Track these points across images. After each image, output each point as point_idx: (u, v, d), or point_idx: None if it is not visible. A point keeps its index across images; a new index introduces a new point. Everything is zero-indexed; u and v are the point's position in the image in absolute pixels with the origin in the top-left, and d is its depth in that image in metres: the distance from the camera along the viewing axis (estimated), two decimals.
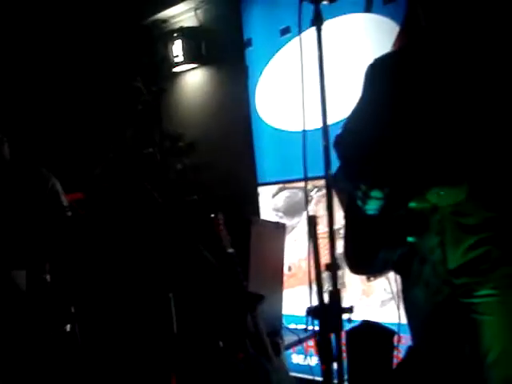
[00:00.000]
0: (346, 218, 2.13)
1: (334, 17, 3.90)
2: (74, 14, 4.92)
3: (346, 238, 2.13)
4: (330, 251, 1.67)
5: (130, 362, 2.93)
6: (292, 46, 4.18)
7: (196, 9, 4.98)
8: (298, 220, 4.26)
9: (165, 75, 5.17)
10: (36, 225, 2.49)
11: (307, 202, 3.67)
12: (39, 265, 2.27)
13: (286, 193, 4.32)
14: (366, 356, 2.96)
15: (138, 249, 2.51)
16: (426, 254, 1.94)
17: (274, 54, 4.30)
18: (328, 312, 1.58)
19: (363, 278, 2.22)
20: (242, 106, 4.57)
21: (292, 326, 3.88)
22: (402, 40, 3.40)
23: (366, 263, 2.03)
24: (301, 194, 4.16)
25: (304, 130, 1.84)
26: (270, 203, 4.47)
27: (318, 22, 1.87)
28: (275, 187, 4.41)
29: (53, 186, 2.94)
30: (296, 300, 4.14)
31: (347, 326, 1.69)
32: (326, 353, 1.51)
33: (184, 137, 4.74)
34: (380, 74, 2.09)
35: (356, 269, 2.12)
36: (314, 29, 1.90)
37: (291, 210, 4.29)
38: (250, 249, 3.46)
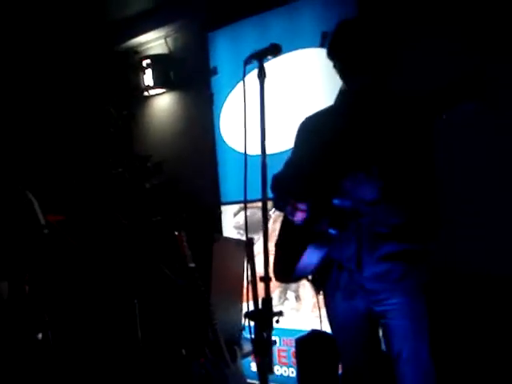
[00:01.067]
0: (280, 228, 2.47)
1: (293, 50, 4.22)
2: (47, 39, 5.15)
3: (276, 245, 2.46)
4: (263, 265, 1.97)
5: (99, 365, 3.16)
6: (253, 77, 4.49)
7: (166, 37, 5.29)
8: (257, 237, 4.54)
9: (135, 99, 5.45)
10: (16, 240, 2.73)
11: (266, 220, 3.96)
12: (19, 276, 2.50)
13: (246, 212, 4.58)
14: (313, 362, 3.25)
15: (106, 263, 2.75)
16: (344, 261, 2.27)
17: (238, 82, 4.60)
18: (261, 315, 1.89)
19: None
20: (207, 130, 4.84)
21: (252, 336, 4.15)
22: None
23: (286, 269, 2.35)
24: (260, 213, 4.43)
25: (245, 154, 2.15)
26: (231, 221, 4.75)
27: (261, 75, 2.17)
28: (237, 206, 4.68)
29: (30, 204, 3.18)
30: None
31: (275, 326, 1.99)
32: (259, 348, 1.81)
33: (152, 158, 5.00)
34: (303, 130, 2.54)
35: (277, 275, 2.44)
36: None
37: (251, 228, 4.55)
38: (212, 264, 3.72)
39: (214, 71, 4.76)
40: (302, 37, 4.09)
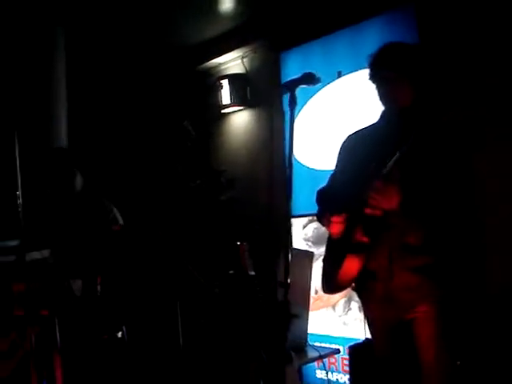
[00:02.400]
0: (326, 245, 2.65)
1: (356, 70, 4.39)
2: (135, 61, 5.60)
3: (323, 260, 2.65)
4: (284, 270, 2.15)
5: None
6: (322, 95, 4.71)
7: (243, 57, 5.60)
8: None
9: (213, 116, 5.78)
10: (93, 245, 3.06)
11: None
12: (92, 276, 2.81)
13: (314, 224, 4.78)
14: (364, 369, 3.38)
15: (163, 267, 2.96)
16: (378, 272, 2.42)
17: (308, 100, 4.82)
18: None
19: None
20: (279, 145, 5.09)
21: (316, 343, 4.33)
22: None
23: (329, 280, 2.53)
24: None
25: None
26: (300, 233, 4.95)
27: (291, 103, 2.29)
28: (305, 219, 4.89)
29: (114, 216, 3.53)
30: (320, 321, 4.60)
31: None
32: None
33: (225, 173, 5.30)
34: (345, 146, 2.73)
35: (323, 287, 2.64)
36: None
37: (319, 240, 4.74)
38: (278, 273, 3.94)
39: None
40: (364, 57, 4.24)
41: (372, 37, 4.32)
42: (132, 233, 2.76)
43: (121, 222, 3.60)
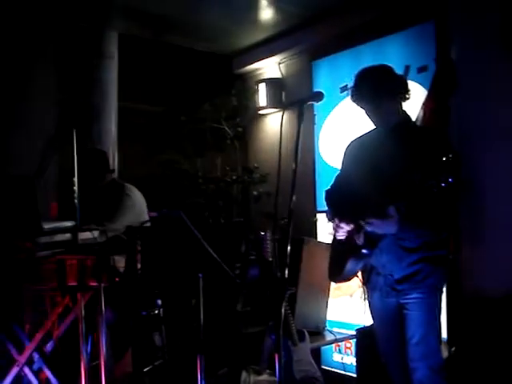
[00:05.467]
0: (332, 241, 3.07)
1: None
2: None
3: (330, 256, 3.07)
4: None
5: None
6: (347, 101, 5.13)
7: (279, 63, 6.07)
8: None
9: (251, 116, 6.25)
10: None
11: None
12: (133, 253, 3.26)
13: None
14: (369, 352, 3.72)
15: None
16: (380, 268, 2.85)
17: (335, 106, 5.25)
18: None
19: None
20: (309, 146, 5.51)
21: (334, 329, 4.74)
22: (427, 102, 4.18)
23: (335, 273, 2.96)
24: None
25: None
26: (326, 228, 5.36)
27: (299, 118, 2.54)
28: None
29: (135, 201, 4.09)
30: (339, 308, 5.03)
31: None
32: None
33: (258, 169, 5.77)
34: (349, 150, 3.12)
35: (330, 277, 3.06)
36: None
37: None
38: (301, 262, 4.36)
39: None
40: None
41: (394, 49, 4.72)
42: (166, 220, 3.18)
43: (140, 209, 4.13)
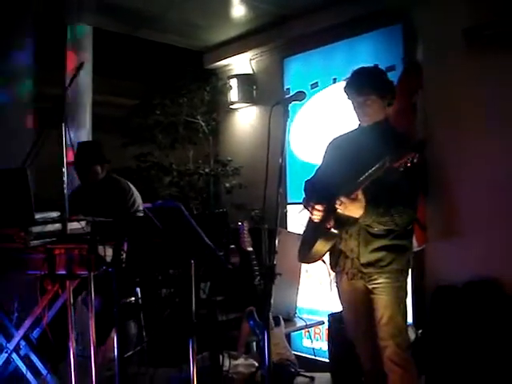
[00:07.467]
0: (306, 224, 3.26)
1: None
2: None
3: (302, 235, 3.26)
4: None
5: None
6: (317, 98, 5.35)
7: (251, 59, 6.24)
8: None
9: (223, 112, 6.41)
10: (119, 218, 3.66)
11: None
12: (120, 244, 3.40)
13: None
14: (341, 337, 3.91)
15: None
16: (348, 252, 3.06)
17: (305, 102, 5.42)
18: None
19: None
20: (279, 140, 5.68)
21: (304, 315, 4.95)
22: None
23: (304, 253, 3.15)
24: None
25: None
26: (296, 219, 5.55)
27: (285, 117, 2.81)
28: (300, 206, 5.49)
29: (134, 199, 4.26)
30: (308, 295, 5.26)
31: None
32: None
33: (231, 162, 5.94)
34: (330, 147, 3.28)
35: (299, 257, 3.26)
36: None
37: None
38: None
39: (287, 92, 5.60)
40: (357, 66, 4.85)
41: (364, 50, 4.94)
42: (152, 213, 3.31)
43: (138, 202, 4.27)
